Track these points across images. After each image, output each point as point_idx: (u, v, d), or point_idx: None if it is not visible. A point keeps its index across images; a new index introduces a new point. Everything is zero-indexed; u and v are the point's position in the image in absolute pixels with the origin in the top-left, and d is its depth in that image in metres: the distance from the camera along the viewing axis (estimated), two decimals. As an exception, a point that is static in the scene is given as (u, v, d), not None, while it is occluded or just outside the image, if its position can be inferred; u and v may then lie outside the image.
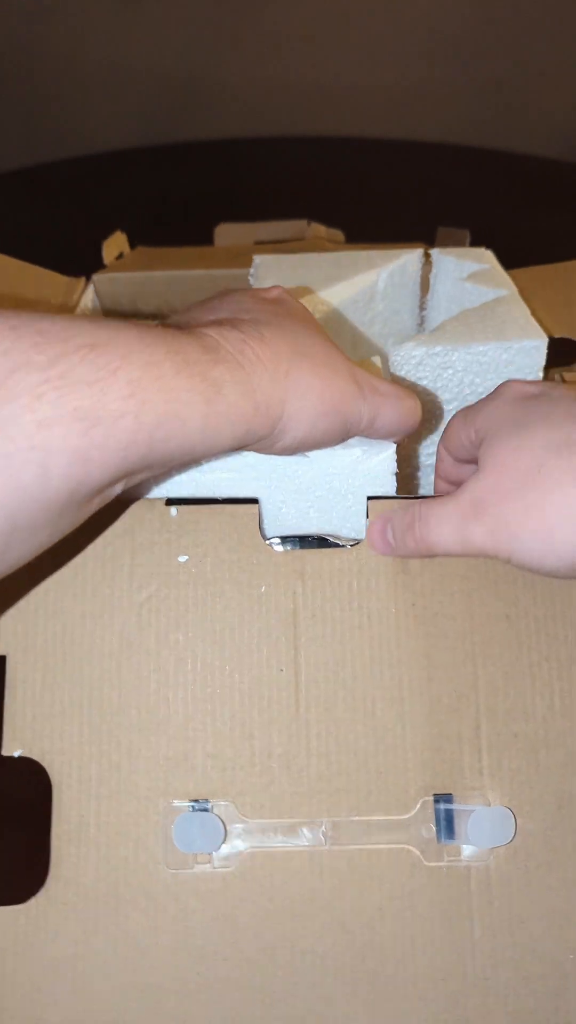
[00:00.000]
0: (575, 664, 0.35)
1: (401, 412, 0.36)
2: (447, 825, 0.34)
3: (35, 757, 0.34)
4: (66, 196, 1.23)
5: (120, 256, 0.71)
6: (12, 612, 0.35)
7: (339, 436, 0.35)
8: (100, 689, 0.35)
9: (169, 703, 0.35)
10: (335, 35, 1.40)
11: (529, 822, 0.34)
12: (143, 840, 0.34)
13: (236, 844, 0.34)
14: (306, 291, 0.49)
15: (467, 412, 0.37)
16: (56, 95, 1.41)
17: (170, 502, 0.36)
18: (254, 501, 0.37)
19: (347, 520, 0.39)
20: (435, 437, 0.48)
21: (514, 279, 0.51)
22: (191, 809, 0.34)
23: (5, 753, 0.34)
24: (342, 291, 0.51)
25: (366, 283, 0.52)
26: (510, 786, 0.34)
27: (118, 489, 0.30)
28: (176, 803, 0.34)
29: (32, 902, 0.33)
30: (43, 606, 0.35)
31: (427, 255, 0.55)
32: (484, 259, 0.53)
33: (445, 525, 0.34)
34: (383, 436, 0.37)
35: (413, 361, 0.45)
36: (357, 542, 0.36)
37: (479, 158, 1.28)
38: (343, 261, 0.53)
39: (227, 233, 0.75)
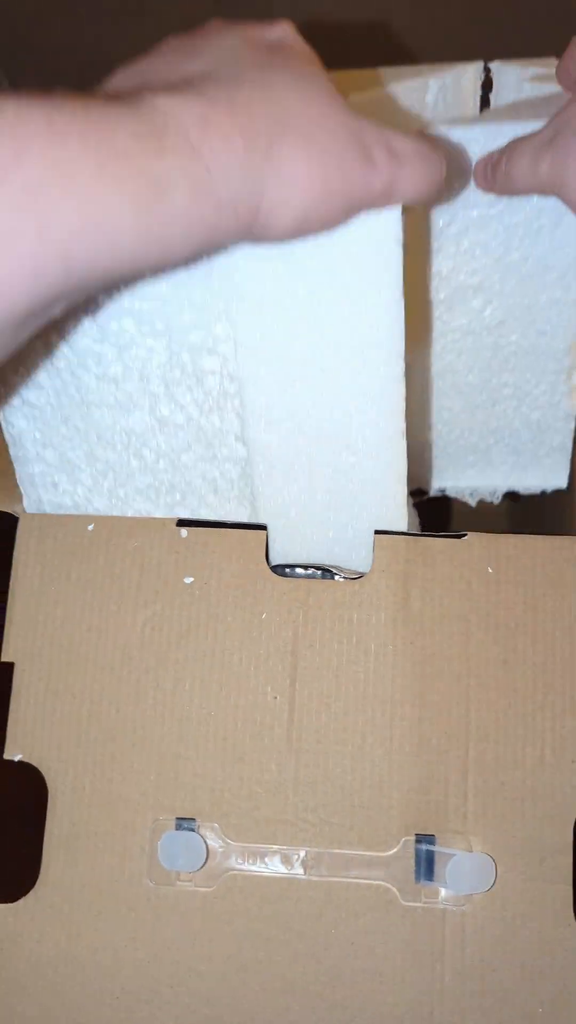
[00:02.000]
0: (569, 716, 0.34)
1: (424, 175, 0.30)
2: (427, 866, 0.34)
3: (34, 763, 0.36)
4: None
5: None
6: (22, 621, 0.37)
7: (343, 216, 0.29)
8: (99, 702, 0.36)
9: (164, 721, 0.36)
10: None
11: (509, 871, 0.34)
12: (129, 853, 0.35)
13: (218, 865, 0.34)
14: None
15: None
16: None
17: (181, 523, 0.37)
18: (262, 527, 0.37)
19: (342, 304, 0.33)
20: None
21: None
22: (177, 827, 0.35)
23: (7, 757, 0.36)
24: (383, 104, 0.42)
25: (411, 97, 0.43)
26: (494, 833, 0.34)
27: (56, 311, 0.25)
28: (163, 819, 0.35)
29: (22, 902, 0.35)
30: (52, 617, 0.37)
31: (487, 68, 0.45)
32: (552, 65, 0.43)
33: (525, 156, 0.33)
34: (404, 203, 0.31)
35: (476, 146, 0.38)
36: (360, 576, 0.36)
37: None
38: (384, 76, 0.43)
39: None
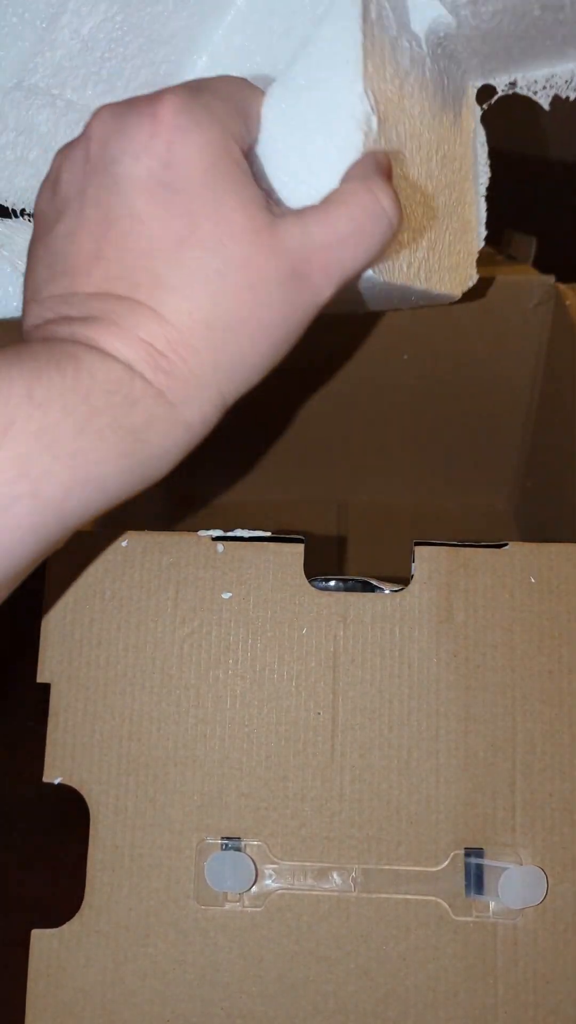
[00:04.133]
0: (617, 727, 0.34)
1: (367, 249, 0.28)
2: (477, 880, 0.34)
3: (74, 785, 0.35)
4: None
5: None
6: (58, 641, 0.36)
7: (303, 328, 0.29)
8: (139, 722, 0.35)
9: (206, 739, 0.35)
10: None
11: (560, 883, 0.34)
12: (175, 874, 0.34)
13: (266, 884, 0.34)
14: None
15: None
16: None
17: (217, 538, 0.37)
18: (301, 540, 0.37)
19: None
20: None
21: None
22: (223, 847, 0.34)
23: (46, 780, 0.35)
24: None
25: None
26: (543, 845, 0.34)
27: (63, 537, 0.27)
28: (209, 840, 0.34)
29: (66, 927, 0.34)
30: (88, 637, 0.36)
31: None
32: None
33: None
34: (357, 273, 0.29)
35: None
36: (401, 588, 0.36)
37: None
38: None
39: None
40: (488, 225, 0.42)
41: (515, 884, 0.33)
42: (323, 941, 0.34)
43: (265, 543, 0.36)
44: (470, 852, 0.34)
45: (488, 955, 0.33)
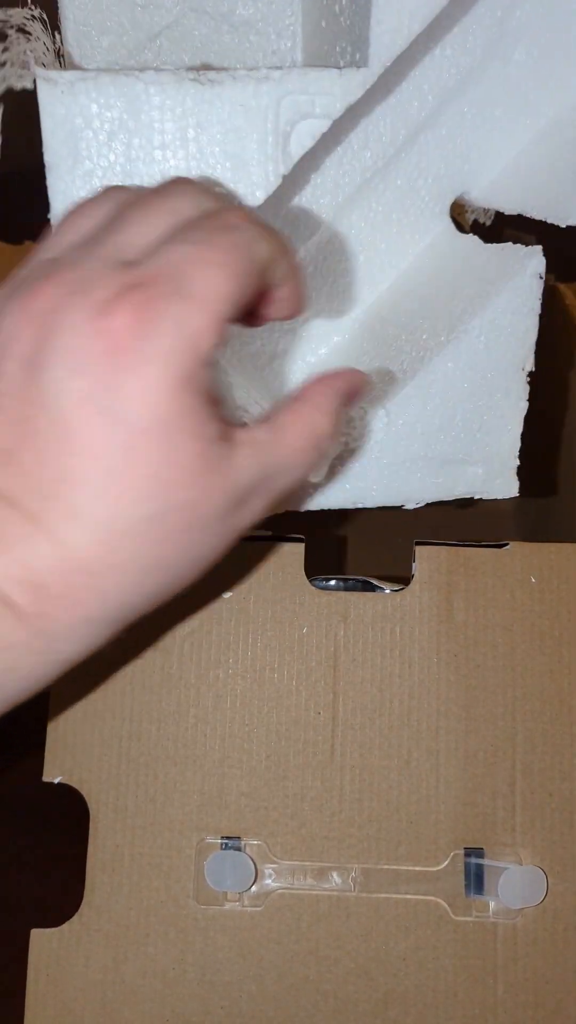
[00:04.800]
0: (617, 727, 0.34)
1: (311, 457, 0.27)
2: (477, 880, 0.34)
3: (74, 784, 0.35)
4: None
5: None
6: (57, 640, 0.36)
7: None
8: (139, 721, 0.35)
9: (206, 739, 0.35)
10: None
11: (560, 883, 0.34)
12: (174, 874, 0.34)
13: (266, 884, 0.34)
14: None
15: None
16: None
17: (217, 537, 0.37)
18: (301, 540, 0.37)
19: None
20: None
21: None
22: (223, 846, 0.34)
23: (46, 779, 0.35)
24: None
25: None
26: (543, 845, 0.34)
27: None
28: (208, 839, 0.34)
29: (66, 926, 0.34)
30: (87, 636, 0.36)
31: None
32: None
33: None
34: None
35: None
36: (402, 588, 0.36)
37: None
38: None
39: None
40: (489, 225, 0.42)
41: (515, 884, 0.33)
42: (323, 941, 0.34)
43: (266, 542, 0.36)
44: (470, 852, 0.34)
45: (488, 955, 0.33)
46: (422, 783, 0.35)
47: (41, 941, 0.34)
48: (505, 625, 0.35)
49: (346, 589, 0.37)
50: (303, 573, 0.36)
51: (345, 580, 0.37)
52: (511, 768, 0.34)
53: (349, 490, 0.36)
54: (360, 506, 0.36)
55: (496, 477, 0.36)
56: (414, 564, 0.36)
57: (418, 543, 0.36)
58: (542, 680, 0.35)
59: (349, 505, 0.36)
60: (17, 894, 0.46)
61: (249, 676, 0.35)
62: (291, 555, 0.36)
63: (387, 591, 0.36)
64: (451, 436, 0.35)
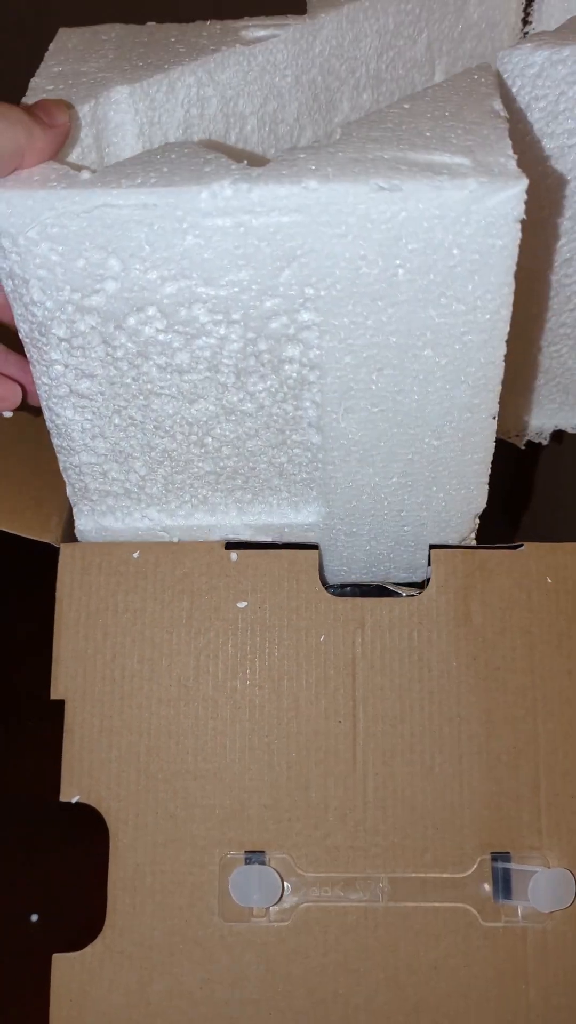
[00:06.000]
0: None
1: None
2: (504, 885, 0.33)
3: (92, 803, 0.34)
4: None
5: None
6: (72, 657, 0.35)
7: None
8: (157, 736, 0.35)
9: (226, 751, 0.35)
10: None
11: (588, 884, 0.33)
12: (198, 891, 0.34)
13: (291, 898, 0.34)
14: None
15: None
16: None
17: (229, 546, 0.36)
18: (314, 547, 0.36)
19: (445, 288, 0.30)
20: None
21: None
22: (247, 861, 0.34)
23: (63, 799, 0.34)
24: None
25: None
26: (570, 847, 0.34)
27: None
28: (232, 854, 0.34)
29: (88, 950, 0.33)
30: (102, 651, 0.35)
31: None
32: None
33: None
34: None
35: (531, 71, 0.34)
36: (418, 592, 0.36)
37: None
38: None
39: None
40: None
41: (543, 887, 0.33)
42: (352, 953, 0.33)
43: (280, 550, 0.36)
44: (497, 857, 0.34)
45: (518, 960, 0.33)
46: (446, 789, 0.34)
47: (63, 966, 0.33)
48: (523, 627, 0.35)
49: (362, 595, 0.36)
50: (318, 580, 0.36)
51: (361, 586, 0.37)
52: (535, 770, 0.34)
53: None
54: None
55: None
56: (429, 567, 0.36)
57: (433, 546, 0.36)
58: (562, 681, 0.35)
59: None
60: (40, 919, 0.45)
61: (267, 686, 0.35)
62: (305, 562, 0.36)
63: (403, 595, 0.36)
64: None
